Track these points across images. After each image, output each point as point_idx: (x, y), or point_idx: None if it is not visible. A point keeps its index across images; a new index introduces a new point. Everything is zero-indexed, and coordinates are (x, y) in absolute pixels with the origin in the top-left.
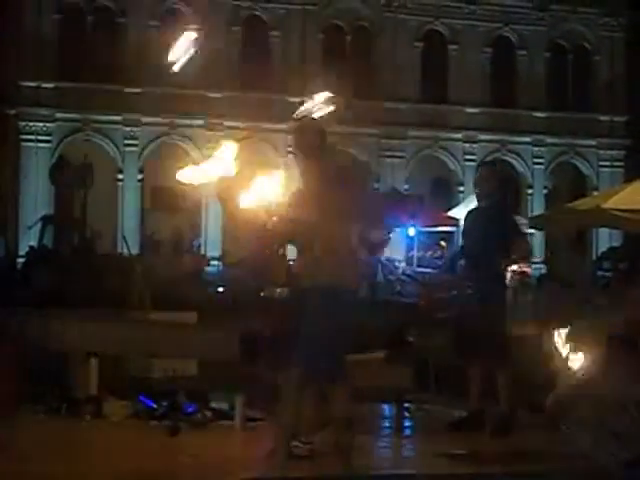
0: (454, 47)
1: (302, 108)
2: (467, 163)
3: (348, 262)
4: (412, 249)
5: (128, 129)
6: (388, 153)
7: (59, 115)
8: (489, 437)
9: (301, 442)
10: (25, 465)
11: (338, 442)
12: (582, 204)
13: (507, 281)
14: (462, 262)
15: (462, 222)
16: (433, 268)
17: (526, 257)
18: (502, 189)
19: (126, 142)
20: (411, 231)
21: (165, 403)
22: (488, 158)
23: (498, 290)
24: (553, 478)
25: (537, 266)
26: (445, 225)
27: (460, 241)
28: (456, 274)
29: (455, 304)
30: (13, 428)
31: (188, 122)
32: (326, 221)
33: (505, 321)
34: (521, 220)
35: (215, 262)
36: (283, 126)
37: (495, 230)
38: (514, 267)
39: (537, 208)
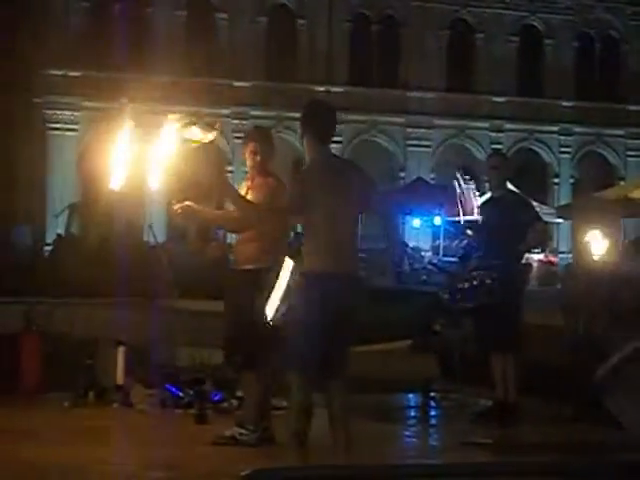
0: (481, 36)
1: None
2: (490, 153)
3: (352, 250)
4: (438, 238)
5: (154, 117)
6: (414, 142)
7: (86, 104)
8: (496, 428)
9: (249, 430)
10: (52, 453)
11: (336, 438)
12: (609, 194)
13: (531, 269)
14: (478, 253)
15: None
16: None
17: (544, 242)
18: (520, 177)
19: (154, 131)
20: (437, 220)
21: (192, 391)
22: (515, 147)
23: (515, 279)
24: (580, 469)
25: (564, 256)
26: (472, 214)
27: (474, 232)
28: (471, 265)
29: (476, 294)
30: (40, 416)
31: (214, 111)
32: (331, 208)
33: (520, 310)
34: (545, 208)
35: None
36: None
37: (510, 218)
38: (541, 257)
39: (564, 197)
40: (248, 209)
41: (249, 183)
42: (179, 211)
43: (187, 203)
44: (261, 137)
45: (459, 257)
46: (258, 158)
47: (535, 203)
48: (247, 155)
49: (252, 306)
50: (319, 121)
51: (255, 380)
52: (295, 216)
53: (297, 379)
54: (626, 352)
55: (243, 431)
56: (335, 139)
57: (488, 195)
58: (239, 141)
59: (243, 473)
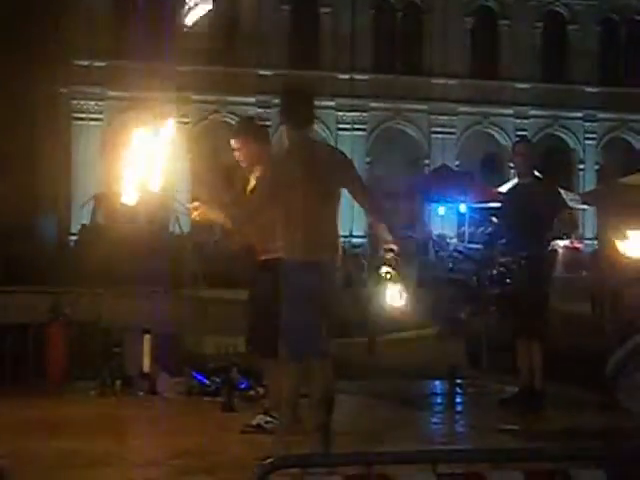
0: (505, 22)
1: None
2: (516, 140)
3: (328, 239)
4: (463, 225)
5: (179, 107)
6: (438, 129)
7: (111, 93)
8: (523, 414)
9: (275, 417)
10: (79, 441)
11: (316, 421)
12: (634, 180)
13: (557, 256)
14: (502, 240)
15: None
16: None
17: (572, 229)
18: (545, 164)
19: (178, 120)
20: (462, 207)
21: (218, 379)
22: (539, 134)
23: (542, 266)
24: (605, 456)
25: (589, 242)
26: (496, 201)
27: (499, 219)
28: (496, 251)
29: (503, 280)
30: (67, 405)
31: (239, 99)
32: (307, 198)
33: (547, 297)
34: (570, 195)
35: None
36: (333, 103)
37: (536, 205)
38: (566, 243)
39: (588, 184)
40: (239, 207)
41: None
42: (195, 214)
43: (198, 205)
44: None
45: (483, 244)
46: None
47: (560, 189)
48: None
49: (271, 295)
50: (294, 107)
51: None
52: (270, 206)
53: (287, 364)
54: (629, 347)
55: (269, 419)
56: (359, 127)
57: (514, 181)
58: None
59: (266, 461)
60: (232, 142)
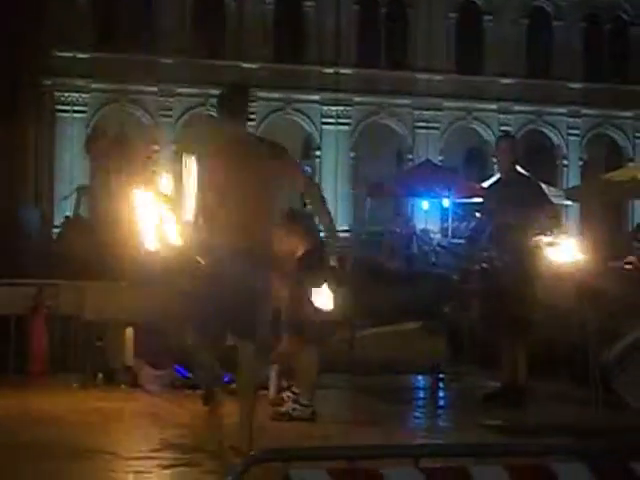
0: (489, 18)
1: None
2: (499, 135)
3: (257, 228)
4: (447, 220)
5: (163, 99)
6: (422, 124)
7: (95, 86)
8: (506, 409)
9: (301, 404)
10: (61, 434)
11: (240, 407)
12: (618, 175)
13: (541, 252)
14: (484, 235)
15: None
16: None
17: (555, 226)
18: (528, 160)
19: (161, 112)
20: (446, 202)
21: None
22: (523, 129)
23: (524, 261)
24: (588, 451)
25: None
26: (480, 196)
27: (481, 214)
28: (480, 247)
29: (486, 276)
30: (49, 397)
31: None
32: (238, 188)
33: (529, 293)
34: (553, 191)
35: None
36: (317, 97)
37: (519, 200)
38: (550, 239)
39: (572, 179)
40: None
41: None
42: None
43: None
44: None
45: (466, 239)
46: None
47: (543, 185)
48: None
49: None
50: (229, 101)
51: (310, 356)
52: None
53: (199, 343)
54: (629, 340)
55: (298, 407)
56: (343, 121)
57: (497, 177)
58: (248, 123)
59: (252, 452)
60: None
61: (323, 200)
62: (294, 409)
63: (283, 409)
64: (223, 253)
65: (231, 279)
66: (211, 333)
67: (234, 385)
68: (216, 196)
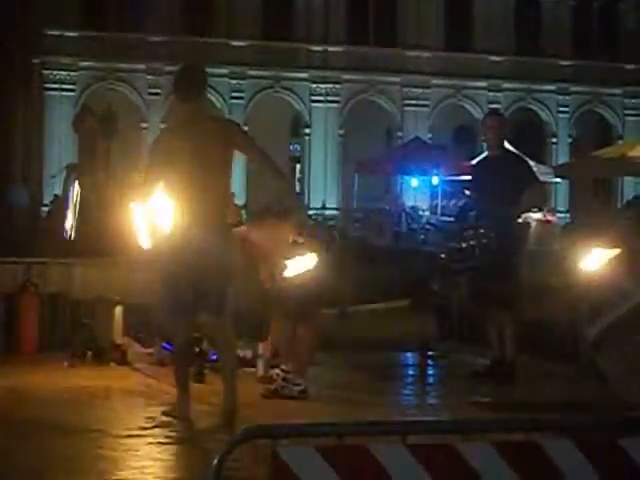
0: None
1: None
2: (487, 112)
3: (215, 206)
4: (436, 198)
5: (151, 77)
6: (411, 102)
7: (83, 64)
8: (494, 386)
9: (291, 383)
10: (50, 412)
11: (223, 379)
12: (607, 153)
13: (530, 229)
14: (472, 212)
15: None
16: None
17: (542, 202)
18: (517, 137)
19: (150, 91)
20: (435, 180)
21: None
22: (512, 107)
23: (511, 238)
24: (576, 427)
25: (562, 215)
26: (469, 174)
27: (469, 191)
28: (467, 223)
29: (473, 253)
30: (38, 375)
31: (212, 71)
32: (196, 169)
33: (516, 270)
34: (543, 168)
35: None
36: (306, 75)
37: (506, 177)
38: (539, 216)
39: (562, 157)
40: None
41: None
42: None
43: None
44: None
45: (455, 216)
46: None
47: (533, 162)
48: None
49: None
50: (179, 82)
51: (306, 336)
52: (156, 179)
53: (174, 321)
54: (622, 310)
55: (286, 384)
56: (332, 99)
57: (485, 154)
58: (237, 101)
59: (243, 427)
60: None
61: (272, 162)
62: (283, 387)
63: (272, 387)
64: (185, 230)
65: (195, 254)
66: (183, 308)
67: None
68: (174, 176)
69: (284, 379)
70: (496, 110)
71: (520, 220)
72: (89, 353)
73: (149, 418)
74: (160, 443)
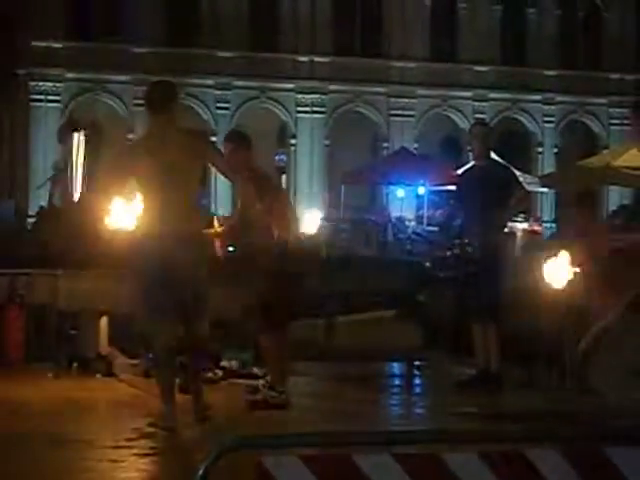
0: (463, 5)
1: None
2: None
3: (183, 211)
4: (422, 208)
5: (137, 88)
6: (397, 112)
7: (69, 75)
8: (480, 395)
9: (276, 391)
10: (35, 424)
11: (191, 376)
12: (592, 162)
13: (516, 239)
14: (458, 221)
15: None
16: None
17: (526, 207)
18: (503, 147)
19: (135, 102)
20: (421, 190)
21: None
22: (498, 117)
23: (496, 247)
24: (562, 436)
25: (548, 225)
26: (455, 184)
27: (455, 201)
28: (453, 233)
29: (459, 263)
30: (24, 387)
31: (198, 82)
32: (159, 175)
33: (502, 279)
34: (529, 178)
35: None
36: (292, 85)
37: (492, 187)
38: (524, 226)
39: (547, 166)
40: None
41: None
42: None
43: None
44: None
45: (439, 226)
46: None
47: (518, 172)
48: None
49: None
50: (149, 95)
51: (276, 343)
52: (117, 184)
53: (153, 324)
54: (606, 323)
55: (274, 393)
56: (318, 109)
57: (471, 163)
58: (223, 112)
59: (228, 438)
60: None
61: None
62: (272, 396)
63: (259, 397)
64: (154, 238)
65: (167, 260)
66: (160, 310)
67: (210, 374)
68: (144, 186)
69: (270, 388)
70: (482, 120)
71: (505, 230)
72: (74, 364)
73: (135, 429)
74: (146, 454)
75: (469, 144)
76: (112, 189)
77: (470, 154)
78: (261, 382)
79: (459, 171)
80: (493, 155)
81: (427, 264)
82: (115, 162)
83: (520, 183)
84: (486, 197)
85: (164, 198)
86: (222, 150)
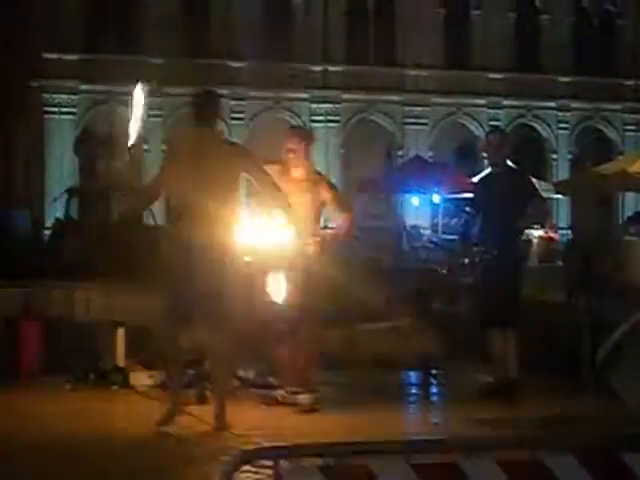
0: (477, 12)
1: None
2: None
3: (207, 226)
4: (437, 216)
5: (151, 99)
6: (412, 120)
7: (83, 87)
8: (498, 403)
9: (307, 392)
10: (53, 437)
11: (214, 388)
12: (607, 168)
13: (532, 246)
14: (475, 229)
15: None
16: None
17: (544, 219)
18: (518, 154)
19: (150, 113)
20: (436, 198)
21: (192, 372)
22: (513, 123)
23: (513, 255)
24: (581, 443)
25: (563, 232)
26: (470, 192)
27: (472, 208)
28: (471, 241)
29: (476, 270)
30: (41, 400)
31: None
32: (191, 184)
33: (518, 286)
34: (544, 184)
35: None
36: (306, 95)
37: (510, 195)
38: (541, 233)
39: (562, 173)
40: None
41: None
42: None
43: None
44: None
45: (460, 235)
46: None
47: (534, 179)
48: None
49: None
50: (198, 107)
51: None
52: (154, 196)
53: (166, 330)
54: (626, 327)
55: (307, 395)
56: (332, 118)
57: (487, 171)
58: (237, 122)
59: (236, 454)
60: (289, 144)
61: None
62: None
63: (303, 402)
64: (188, 249)
65: (197, 273)
66: (177, 317)
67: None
68: (179, 195)
69: (293, 392)
70: (498, 127)
71: (522, 237)
72: (92, 376)
73: (151, 440)
74: (161, 465)
75: (485, 151)
76: (153, 191)
77: (485, 161)
78: (280, 393)
79: (475, 179)
80: (509, 162)
81: (444, 272)
82: (162, 168)
83: (537, 191)
84: (503, 205)
85: (195, 209)
86: (289, 146)
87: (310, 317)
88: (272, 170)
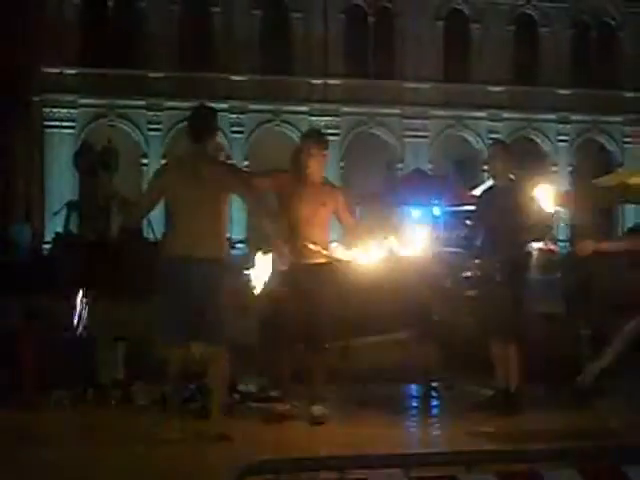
0: (476, 26)
1: None
2: (492, 142)
3: (208, 237)
4: (437, 229)
5: (151, 114)
6: (411, 133)
7: (82, 101)
8: (499, 416)
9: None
10: (52, 451)
11: (211, 404)
12: (607, 181)
13: (532, 259)
14: (478, 242)
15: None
16: (460, 248)
17: (547, 232)
18: (518, 166)
19: (150, 127)
20: (436, 211)
21: (192, 386)
22: (513, 136)
23: (515, 267)
24: (580, 456)
25: (563, 244)
26: (470, 204)
27: (473, 221)
28: (473, 253)
29: (478, 282)
30: (39, 414)
31: (212, 106)
32: (188, 200)
33: (521, 298)
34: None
35: (240, 245)
36: (306, 108)
37: (512, 207)
38: (540, 245)
39: (562, 186)
40: None
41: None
42: None
43: None
44: None
45: (463, 247)
46: None
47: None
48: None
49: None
50: (194, 122)
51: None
52: (147, 208)
53: (169, 348)
54: (626, 336)
55: (320, 406)
56: (332, 131)
57: (489, 183)
58: (237, 135)
59: (236, 468)
60: (320, 149)
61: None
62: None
63: (317, 413)
64: (180, 262)
65: (194, 285)
66: (178, 334)
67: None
68: (173, 209)
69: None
70: (501, 140)
71: (525, 249)
72: (91, 390)
73: (150, 455)
74: (163, 478)
75: (487, 164)
76: (144, 208)
77: (485, 174)
78: (287, 406)
79: (477, 191)
80: (511, 175)
81: (446, 284)
82: (151, 182)
83: (540, 206)
84: (506, 217)
85: (190, 224)
86: (305, 150)
87: (323, 328)
88: (281, 177)
